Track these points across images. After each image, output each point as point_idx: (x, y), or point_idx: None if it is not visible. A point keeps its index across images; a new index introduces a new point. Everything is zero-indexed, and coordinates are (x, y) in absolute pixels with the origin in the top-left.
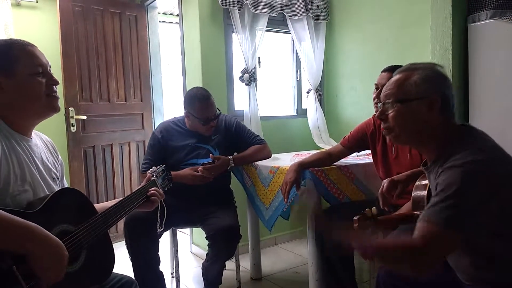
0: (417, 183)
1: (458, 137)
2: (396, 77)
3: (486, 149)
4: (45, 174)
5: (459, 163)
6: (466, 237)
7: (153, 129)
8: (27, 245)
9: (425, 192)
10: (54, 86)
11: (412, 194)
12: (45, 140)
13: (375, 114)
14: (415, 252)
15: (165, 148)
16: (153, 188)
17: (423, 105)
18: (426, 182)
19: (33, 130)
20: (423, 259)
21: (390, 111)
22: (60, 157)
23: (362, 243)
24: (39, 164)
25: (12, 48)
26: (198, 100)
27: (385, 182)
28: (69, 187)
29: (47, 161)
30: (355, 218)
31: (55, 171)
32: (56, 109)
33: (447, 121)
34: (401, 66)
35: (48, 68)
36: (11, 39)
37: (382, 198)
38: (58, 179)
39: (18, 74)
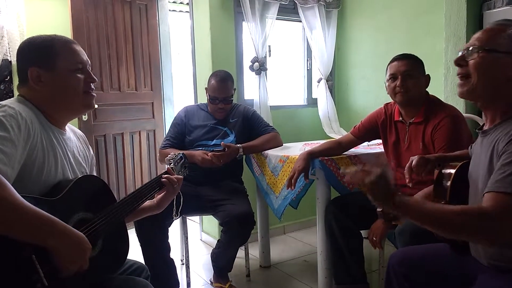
0: (442, 171)
1: None
2: (489, 27)
3: None
4: (75, 168)
5: None
6: None
7: (163, 119)
8: (50, 240)
9: (449, 183)
10: (91, 84)
11: (439, 182)
12: (77, 134)
13: (386, 103)
14: (487, 221)
15: (186, 126)
16: (165, 176)
17: (510, 61)
18: (451, 171)
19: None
20: (495, 229)
21: (472, 57)
22: (91, 151)
23: (420, 210)
24: (71, 158)
25: (54, 44)
26: (214, 78)
27: (414, 157)
28: (91, 174)
29: (78, 155)
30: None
31: (85, 166)
32: (91, 107)
33: None
34: (413, 55)
35: (88, 66)
36: (55, 35)
37: (409, 173)
38: (86, 173)
39: (58, 69)
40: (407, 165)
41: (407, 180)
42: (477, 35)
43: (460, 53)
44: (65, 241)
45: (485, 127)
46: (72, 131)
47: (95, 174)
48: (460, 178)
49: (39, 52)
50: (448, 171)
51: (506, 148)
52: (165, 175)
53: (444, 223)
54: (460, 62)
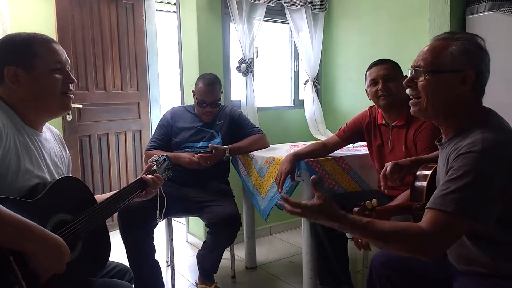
0: (418, 173)
1: (482, 117)
2: (432, 44)
3: (508, 130)
4: (53, 169)
5: (478, 149)
6: (480, 224)
7: (149, 119)
8: (28, 245)
9: (425, 183)
10: (70, 85)
11: (414, 184)
12: (54, 133)
13: (371, 106)
14: (424, 239)
15: (172, 128)
16: (149, 176)
17: (456, 79)
18: (427, 172)
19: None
20: (432, 246)
21: (420, 79)
22: (68, 151)
23: (362, 229)
24: (47, 159)
25: (33, 42)
26: (202, 81)
27: (388, 164)
28: (71, 176)
29: (54, 156)
30: (355, 209)
31: (62, 167)
32: (68, 108)
33: (476, 98)
34: (390, 60)
35: (67, 66)
36: (34, 33)
37: (383, 180)
38: (63, 174)
39: (36, 69)
40: (382, 172)
41: (382, 188)
42: (421, 54)
43: (409, 73)
44: (43, 246)
45: (443, 140)
46: (49, 130)
47: (71, 175)
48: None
49: (17, 50)
50: (424, 172)
51: (452, 164)
52: (150, 177)
53: (384, 243)
54: (410, 84)
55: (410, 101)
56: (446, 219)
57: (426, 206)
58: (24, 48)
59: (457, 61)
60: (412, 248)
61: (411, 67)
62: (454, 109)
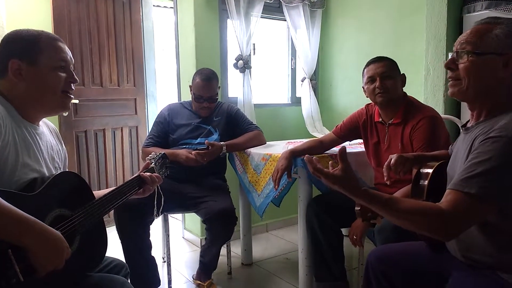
0: (420, 170)
1: None
2: (476, 27)
3: None
4: (50, 163)
5: (509, 134)
6: (501, 208)
7: (146, 115)
8: (27, 239)
9: (426, 182)
10: (72, 84)
11: (416, 181)
12: (50, 127)
13: (368, 104)
14: (443, 219)
15: (169, 125)
16: (147, 174)
17: (499, 61)
18: (429, 170)
19: None
20: (451, 227)
21: (462, 61)
22: (64, 147)
23: (382, 205)
24: (45, 153)
25: (40, 39)
26: (199, 76)
27: (393, 156)
28: (70, 171)
29: (51, 150)
30: (357, 208)
31: (58, 161)
32: (66, 108)
33: None
34: (387, 57)
35: (71, 65)
36: (42, 30)
37: (387, 171)
38: (60, 168)
39: (40, 65)
40: (386, 163)
41: (385, 178)
42: (464, 36)
43: (450, 56)
44: (42, 241)
45: (469, 124)
46: (45, 124)
47: (67, 170)
48: (437, 177)
49: (23, 45)
50: (426, 170)
51: (478, 146)
52: (148, 174)
53: (402, 221)
54: (451, 66)
55: (449, 83)
56: (468, 201)
57: (448, 187)
58: (30, 43)
59: (501, 44)
60: (430, 227)
61: (453, 50)
62: (493, 92)
